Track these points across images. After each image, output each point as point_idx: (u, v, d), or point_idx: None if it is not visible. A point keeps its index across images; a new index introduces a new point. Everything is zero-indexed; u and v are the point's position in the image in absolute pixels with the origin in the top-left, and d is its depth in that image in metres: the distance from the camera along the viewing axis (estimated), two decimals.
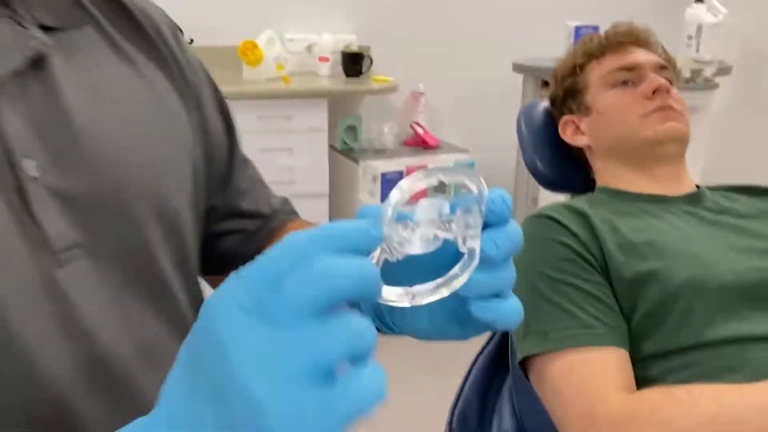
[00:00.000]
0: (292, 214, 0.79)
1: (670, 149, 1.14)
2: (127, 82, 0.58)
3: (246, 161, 0.76)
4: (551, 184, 1.34)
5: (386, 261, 0.44)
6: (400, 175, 2.84)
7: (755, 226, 1.08)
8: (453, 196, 0.48)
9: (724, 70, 2.96)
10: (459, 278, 0.41)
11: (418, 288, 0.41)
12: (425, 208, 0.45)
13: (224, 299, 0.33)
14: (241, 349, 0.31)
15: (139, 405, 0.48)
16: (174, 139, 0.61)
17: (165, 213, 0.57)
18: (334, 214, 2.99)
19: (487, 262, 0.41)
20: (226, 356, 0.31)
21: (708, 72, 2.91)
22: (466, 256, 0.41)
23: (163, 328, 0.56)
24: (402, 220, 0.45)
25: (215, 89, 0.72)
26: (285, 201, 0.80)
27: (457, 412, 1.13)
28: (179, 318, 0.58)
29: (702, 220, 1.09)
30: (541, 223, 1.06)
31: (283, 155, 2.79)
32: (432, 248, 0.43)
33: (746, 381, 0.88)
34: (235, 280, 0.34)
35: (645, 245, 1.02)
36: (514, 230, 0.43)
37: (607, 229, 1.04)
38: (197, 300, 0.63)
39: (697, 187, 1.18)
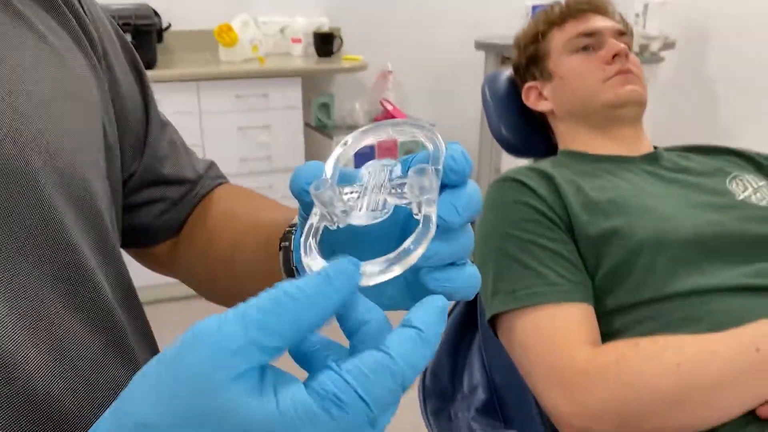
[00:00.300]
0: (219, 178, 0.66)
1: (629, 111, 1.09)
2: (20, 40, 0.44)
3: (165, 125, 0.63)
4: (515, 149, 1.28)
5: (326, 228, 0.36)
6: (371, 150, 2.77)
7: (711, 183, 1.03)
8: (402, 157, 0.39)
9: (668, 45, 2.93)
10: (414, 252, 0.32)
11: (364, 267, 0.32)
12: (373, 170, 0.37)
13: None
14: None
15: (47, 418, 0.38)
16: (77, 100, 0.47)
17: (72, 183, 0.44)
18: None
19: (444, 230, 0.33)
20: None
21: (654, 47, 2.87)
22: (421, 225, 0.33)
23: (79, 324, 0.42)
24: (345, 182, 0.37)
25: (128, 50, 0.58)
26: (211, 165, 0.67)
27: (428, 370, 1.07)
28: (100, 309, 0.44)
29: (661, 179, 1.04)
30: (507, 185, 1.00)
31: (260, 132, 2.71)
32: (381, 218, 0.35)
33: (707, 331, 0.84)
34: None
35: (608, 203, 0.97)
36: (474, 192, 0.35)
37: (571, 189, 0.98)
38: (123, 286, 0.50)
39: (655, 148, 1.13)
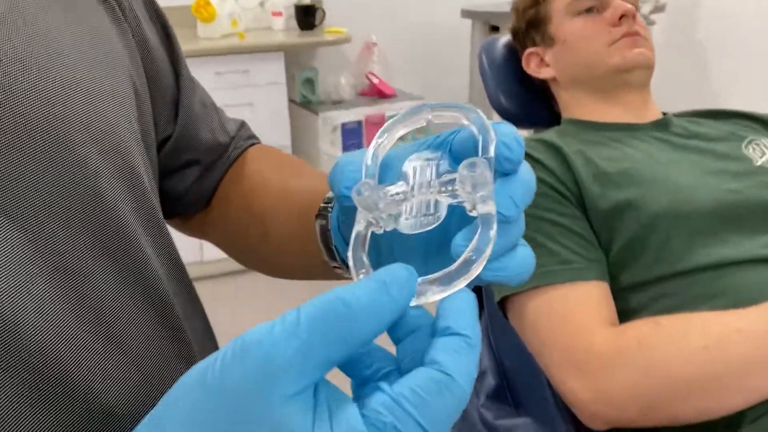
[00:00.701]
0: (251, 139, 0.63)
1: (637, 76, 1.03)
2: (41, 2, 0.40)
3: (194, 81, 0.59)
4: (515, 119, 1.22)
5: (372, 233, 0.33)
6: (359, 125, 2.70)
7: (725, 149, 0.98)
8: (438, 138, 0.35)
9: (659, 8, 2.87)
10: (477, 262, 0.29)
11: (420, 285, 0.28)
12: (417, 164, 0.33)
13: None
14: None
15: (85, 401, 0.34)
16: (106, 58, 0.44)
17: (109, 143, 0.40)
18: None
19: (502, 223, 0.31)
20: None
21: (645, 9, 2.81)
22: (480, 228, 0.30)
23: (125, 297, 0.39)
24: (387, 178, 0.33)
25: (150, 1, 0.55)
26: (243, 125, 0.63)
27: None
28: (146, 280, 0.41)
29: (673, 146, 0.99)
30: None
31: (243, 110, 2.62)
32: (434, 224, 0.31)
33: (728, 306, 0.79)
34: None
35: (619, 174, 0.91)
36: (530, 178, 0.32)
37: (580, 160, 0.92)
38: (168, 255, 0.46)
39: (663, 114, 1.07)
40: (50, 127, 0.36)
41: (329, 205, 0.48)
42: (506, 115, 1.21)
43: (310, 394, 0.25)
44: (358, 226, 0.32)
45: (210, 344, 0.53)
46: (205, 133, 0.58)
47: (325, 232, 0.47)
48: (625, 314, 0.86)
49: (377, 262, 0.33)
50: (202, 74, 2.50)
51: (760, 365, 0.73)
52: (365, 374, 0.27)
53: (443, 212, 0.31)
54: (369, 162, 0.34)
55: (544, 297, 0.85)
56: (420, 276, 0.28)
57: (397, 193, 0.32)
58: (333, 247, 0.47)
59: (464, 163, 0.30)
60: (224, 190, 0.60)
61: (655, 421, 0.78)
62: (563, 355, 0.82)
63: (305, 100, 2.88)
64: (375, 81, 2.99)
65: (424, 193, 0.32)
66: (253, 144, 0.63)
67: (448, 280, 0.29)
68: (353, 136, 2.72)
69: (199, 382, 0.25)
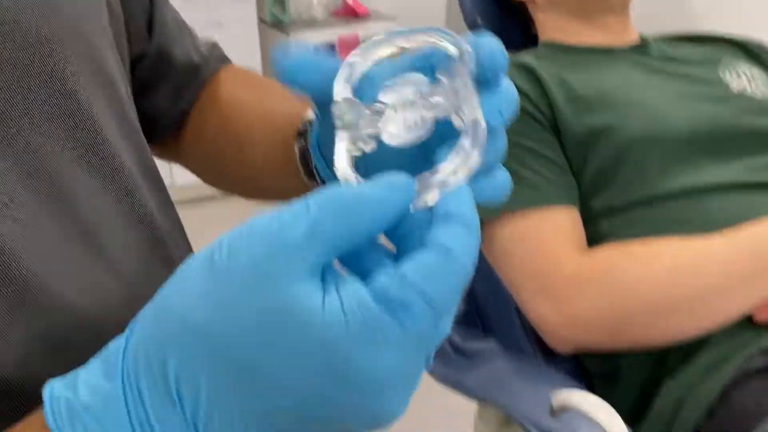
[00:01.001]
0: (224, 60, 0.61)
1: None
2: None
3: (179, 25, 0.57)
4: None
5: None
6: (332, 47, 2.62)
7: (703, 73, 0.97)
8: (416, 57, 0.34)
9: None
10: (472, 158, 0.29)
11: (429, 179, 0.28)
12: (396, 85, 0.32)
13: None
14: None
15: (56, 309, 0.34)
16: None
17: (80, 42, 0.39)
18: None
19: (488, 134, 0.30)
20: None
21: None
22: (470, 132, 0.29)
23: (110, 207, 0.40)
24: (367, 102, 0.32)
25: None
26: (214, 45, 0.62)
27: None
28: (121, 182, 0.41)
29: (651, 69, 0.97)
30: None
31: (210, 30, 2.52)
32: (423, 136, 0.31)
33: (700, 231, 0.79)
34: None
35: (594, 98, 0.90)
36: (512, 89, 0.32)
37: (556, 83, 0.90)
38: (145, 162, 0.46)
39: (642, 37, 1.05)
40: (28, 33, 0.36)
41: (308, 124, 0.47)
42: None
43: (318, 275, 0.25)
44: (342, 143, 0.31)
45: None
46: (179, 51, 0.56)
47: (304, 153, 0.47)
48: (595, 240, 0.86)
49: None
50: None
51: (726, 290, 0.74)
52: (367, 267, 0.27)
53: (431, 126, 0.31)
54: (344, 81, 0.33)
55: (514, 223, 0.84)
56: None
57: (379, 112, 0.31)
58: (314, 168, 0.46)
59: (443, 70, 0.30)
60: (199, 112, 0.59)
61: (622, 343, 0.80)
62: (533, 280, 0.82)
63: (276, 20, 2.78)
64: (348, 0, 2.90)
65: (407, 110, 0.31)
66: (225, 65, 0.61)
67: (444, 177, 0.29)
68: None
69: (206, 266, 0.25)
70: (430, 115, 0.31)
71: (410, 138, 0.31)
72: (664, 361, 0.80)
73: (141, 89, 0.55)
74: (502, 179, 0.33)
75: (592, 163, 0.87)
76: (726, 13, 2.58)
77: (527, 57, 0.96)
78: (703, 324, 0.75)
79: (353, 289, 0.25)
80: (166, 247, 0.45)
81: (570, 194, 0.86)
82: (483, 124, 0.29)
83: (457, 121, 0.30)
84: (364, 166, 0.32)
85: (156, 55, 0.55)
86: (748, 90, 0.94)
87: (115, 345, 0.27)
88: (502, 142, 0.33)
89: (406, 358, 0.26)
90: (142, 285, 0.39)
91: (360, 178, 0.31)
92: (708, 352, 0.76)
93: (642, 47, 1.01)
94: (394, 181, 0.27)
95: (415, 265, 0.25)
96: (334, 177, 0.43)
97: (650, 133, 0.86)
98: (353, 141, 0.31)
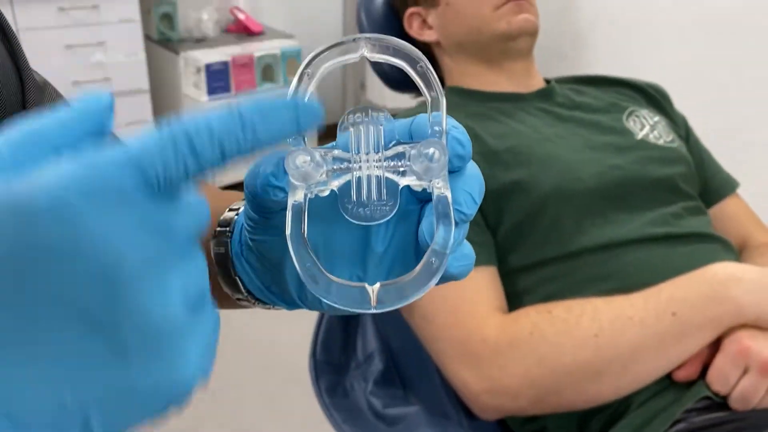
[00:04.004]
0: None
1: (522, 44, 0.99)
2: None
3: (42, 87, 0.49)
4: (395, 82, 1.16)
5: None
6: (225, 66, 2.52)
7: (608, 121, 0.98)
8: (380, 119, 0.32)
9: None
10: (448, 251, 0.29)
11: (384, 286, 0.29)
12: (358, 128, 0.30)
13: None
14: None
15: None
16: None
17: None
18: (158, 111, 2.64)
19: (463, 222, 0.31)
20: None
21: None
22: (440, 211, 0.29)
23: None
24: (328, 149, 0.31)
25: None
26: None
27: (319, 341, 0.97)
28: None
29: (558, 118, 0.97)
30: None
31: (93, 51, 2.37)
32: (389, 215, 0.30)
33: (616, 288, 0.80)
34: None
35: (507, 153, 0.88)
36: (478, 171, 0.32)
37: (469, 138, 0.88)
38: None
39: (547, 81, 1.05)
40: None
41: (227, 229, 0.41)
42: (387, 79, 1.14)
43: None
44: (295, 196, 0.30)
45: None
46: None
47: (224, 261, 0.41)
48: (513, 297, 0.85)
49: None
50: (43, 11, 2.25)
51: (648, 351, 0.74)
52: None
53: (397, 199, 0.30)
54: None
55: (434, 287, 0.81)
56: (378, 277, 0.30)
57: (340, 160, 0.30)
58: (237, 278, 0.40)
59: (423, 143, 0.29)
60: None
61: (546, 408, 0.78)
62: (455, 346, 0.80)
63: (164, 38, 2.65)
64: (241, 17, 2.80)
65: (371, 166, 0.30)
66: None
67: (425, 276, 0.28)
68: (219, 78, 2.54)
69: None
70: (394, 178, 0.30)
71: (378, 217, 0.30)
72: (589, 421, 0.80)
73: None
74: (468, 252, 0.33)
75: (508, 219, 0.86)
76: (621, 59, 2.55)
77: None
78: (627, 386, 0.75)
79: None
80: None
81: (489, 252, 0.84)
82: (451, 202, 0.29)
83: (415, 186, 0.30)
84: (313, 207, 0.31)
85: None
86: (651, 137, 0.96)
87: None
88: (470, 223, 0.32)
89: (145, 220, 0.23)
90: None
91: (311, 254, 0.29)
92: (633, 413, 0.76)
93: (548, 93, 1.01)
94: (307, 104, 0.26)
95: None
96: (259, 289, 0.38)
97: (562, 188, 0.86)
98: (309, 194, 0.30)
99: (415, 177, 0.29)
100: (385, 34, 1.06)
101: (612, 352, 0.74)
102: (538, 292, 0.84)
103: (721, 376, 0.74)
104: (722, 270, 0.76)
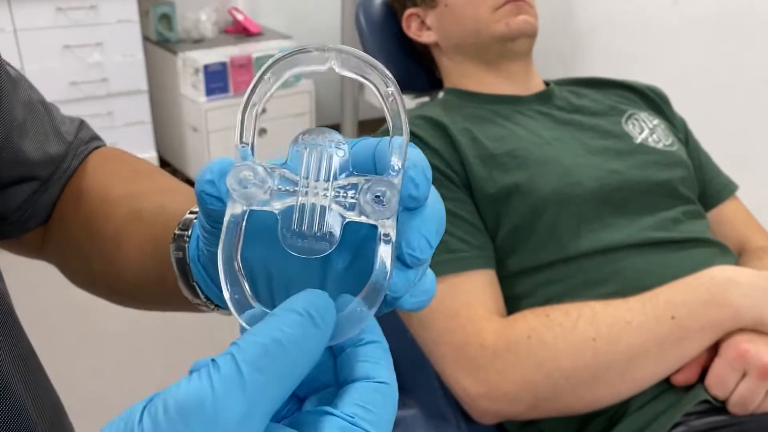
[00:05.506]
0: (93, 141, 0.54)
1: (521, 45, 0.98)
2: None
3: (17, 81, 0.49)
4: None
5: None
6: (223, 66, 2.52)
7: (607, 125, 0.97)
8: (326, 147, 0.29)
9: None
10: (386, 287, 0.27)
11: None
12: (306, 149, 0.28)
13: None
14: None
15: None
16: None
17: None
18: (157, 111, 2.63)
19: (416, 266, 0.29)
20: None
21: None
22: (381, 252, 0.27)
23: None
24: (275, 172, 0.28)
25: None
26: (81, 125, 0.55)
27: None
28: None
29: (556, 121, 0.97)
30: None
31: (91, 51, 2.37)
32: (328, 250, 0.28)
33: (614, 292, 0.79)
34: None
35: (506, 156, 0.88)
36: (439, 213, 0.29)
37: (467, 141, 0.88)
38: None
39: (546, 84, 1.05)
40: None
41: (186, 232, 0.40)
42: None
43: None
44: (233, 210, 0.28)
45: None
46: (31, 143, 0.49)
47: (183, 265, 0.40)
48: (511, 300, 0.85)
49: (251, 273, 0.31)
50: (41, 12, 2.24)
51: (646, 355, 0.74)
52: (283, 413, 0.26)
53: (338, 235, 0.28)
54: (243, 126, 0.29)
55: None
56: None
57: (287, 180, 0.28)
58: (195, 284, 0.40)
59: (374, 181, 0.27)
60: (62, 209, 0.52)
61: (544, 413, 0.78)
62: (453, 351, 0.79)
63: (162, 39, 2.64)
64: (240, 17, 2.80)
65: (318, 194, 0.28)
66: (96, 147, 0.54)
67: (360, 311, 0.27)
68: (218, 79, 2.53)
69: None
70: (339, 210, 0.28)
71: (315, 252, 0.28)
72: (588, 425, 0.79)
73: None
74: (431, 281, 0.31)
75: (506, 223, 0.85)
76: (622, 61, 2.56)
77: (435, 110, 0.93)
78: (625, 390, 0.75)
79: None
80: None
81: (487, 256, 0.84)
82: (394, 241, 0.28)
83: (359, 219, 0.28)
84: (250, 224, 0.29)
85: (2, 150, 0.47)
86: (650, 141, 0.96)
87: None
88: (428, 263, 0.30)
89: None
90: None
91: (258, 305, 0.28)
92: (631, 416, 0.76)
93: (547, 95, 1.00)
94: (316, 307, 0.25)
95: (363, 409, 0.25)
96: (217, 295, 0.38)
97: (561, 192, 0.85)
98: (246, 212, 0.28)
99: (363, 215, 0.28)
100: (384, 35, 1.06)
101: (610, 357, 0.74)
102: (537, 295, 0.84)
103: (719, 380, 0.73)
104: (720, 273, 0.76)
